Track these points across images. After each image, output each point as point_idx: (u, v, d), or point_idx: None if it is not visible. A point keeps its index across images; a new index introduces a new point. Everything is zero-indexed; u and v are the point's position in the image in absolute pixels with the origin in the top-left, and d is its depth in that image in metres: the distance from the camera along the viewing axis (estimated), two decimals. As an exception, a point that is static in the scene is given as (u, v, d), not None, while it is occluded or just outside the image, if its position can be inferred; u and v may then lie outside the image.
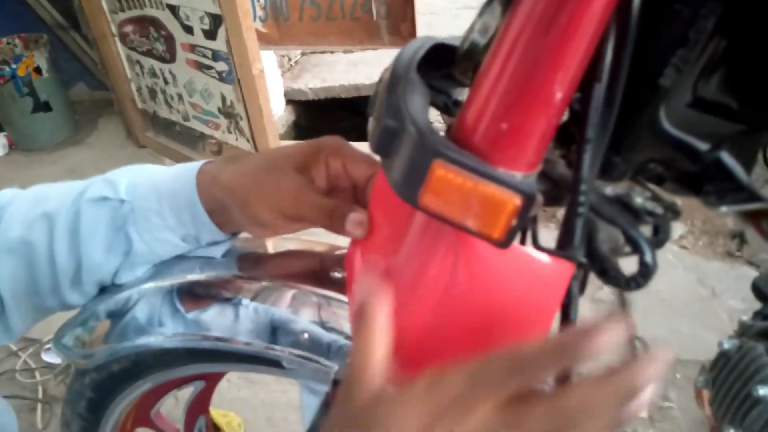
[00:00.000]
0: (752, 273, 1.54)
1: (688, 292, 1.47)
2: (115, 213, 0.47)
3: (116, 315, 0.52)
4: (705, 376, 0.67)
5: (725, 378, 0.63)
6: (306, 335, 0.49)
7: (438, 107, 0.41)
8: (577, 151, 0.31)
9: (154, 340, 0.50)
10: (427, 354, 0.35)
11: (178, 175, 0.48)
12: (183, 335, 0.50)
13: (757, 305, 1.19)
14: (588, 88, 0.30)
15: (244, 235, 0.52)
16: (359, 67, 2.75)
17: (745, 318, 0.72)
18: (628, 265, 0.36)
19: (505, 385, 0.27)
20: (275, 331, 0.50)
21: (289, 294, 0.50)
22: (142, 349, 0.52)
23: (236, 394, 1.30)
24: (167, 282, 0.51)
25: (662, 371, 0.26)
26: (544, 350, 0.27)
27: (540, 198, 0.30)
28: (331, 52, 2.95)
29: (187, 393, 0.73)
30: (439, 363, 0.30)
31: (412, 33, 1.72)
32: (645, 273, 0.33)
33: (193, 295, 0.52)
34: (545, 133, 0.29)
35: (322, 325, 0.50)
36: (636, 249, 0.34)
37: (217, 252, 0.52)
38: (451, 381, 0.28)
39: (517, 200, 0.28)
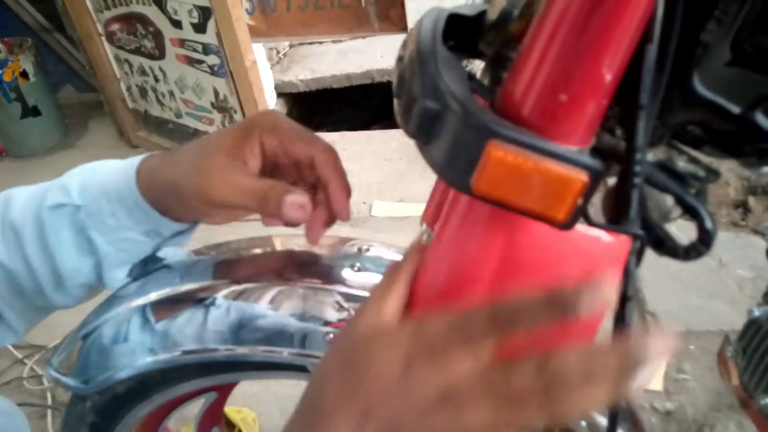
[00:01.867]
0: (758, 241, 1.53)
1: (695, 264, 1.45)
2: (73, 218, 0.46)
3: (88, 335, 0.50)
4: (734, 345, 0.66)
5: (757, 346, 0.62)
6: (269, 329, 0.48)
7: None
8: (629, 119, 0.30)
9: (161, 358, 0.48)
10: None
11: (119, 175, 0.46)
12: (194, 351, 0.48)
13: (765, 273, 1.19)
14: (638, 50, 0.29)
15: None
16: (349, 57, 2.71)
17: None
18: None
19: (484, 334, 0.26)
20: (240, 329, 0.48)
21: (274, 291, 0.48)
22: (148, 369, 0.49)
23: (248, 389, 1.28)
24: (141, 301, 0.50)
25: (669, 349, 0.24)
26: (530, 302, 0.26)
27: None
28: (320, 43, 2.91)
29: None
30: None
31: (402, 18, 1.70)
32: (706, 240, 0.31)
33: (167, 301, 0.50)
34: (604, 100, 0.28)
35: (302, 316, 0.48)
36: (694, 216, 0.32)
37: (184, 240, 0.51)
38: (432, 326, 0.28)
39: (583, 177, 0.26)
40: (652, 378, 0.25)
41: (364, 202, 1.89)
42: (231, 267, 0.53)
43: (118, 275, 0.49)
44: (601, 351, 0.25)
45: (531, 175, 0.26)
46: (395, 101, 0.34)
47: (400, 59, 0.36)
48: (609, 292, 0.24)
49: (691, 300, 1.38)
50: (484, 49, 0.39)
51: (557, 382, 0.25)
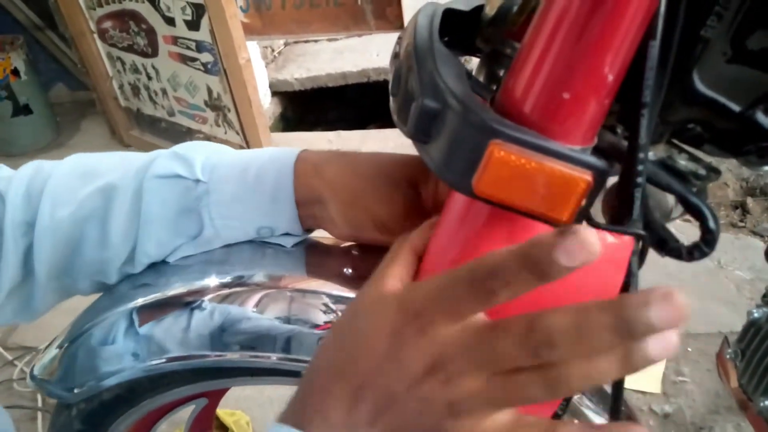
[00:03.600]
0: (756, 243, 1.53)
1: (694, 265, 1.45)
2: (188, 193, 0.43)
3: (75, 339, 0.48)
4: (733, 347, 0.65)
5: (757, 347, 0.61)
6: (252, 332, 0.46)
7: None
8: (632, 117, 0.29)
9: (145, 365, 0.46)
10: None
11: (272, 160, 0.43)
12: (180, 358, 0.46)
13: (764, 274, 1.18)
14: (641, 48, 0.28)
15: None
16: (345, 55, 2.70)
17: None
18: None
19: (466, 297, 0.25)
20: (222, 333, 0.46)
21: (260, 294, 0.47)
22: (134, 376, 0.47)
23: (241, 392, 1.27)
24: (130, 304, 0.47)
25: (676, 317, 0.22)
26: (506, 256, 0.24)
27: None
28: (315, 41, 2.90)
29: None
30: None
31: (399, 16, 1.68)
32: (709, 240, 0.30)
33: (154, 305, 0.48)
34: (607, 99, 0.27)
35: (287, 319, 0.46)
36: (698, 216, 0.31)
37: (289, 242, 0.48)
38: (416, 293, 0.27)
39: (588, 177, 0.25)
40: (668, 351, 0.23)
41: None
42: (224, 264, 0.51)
43: (186, 254, 0.47)
44: (592, 308, 0.23)
45: (534, 176, 0.25)
46: (391, 99, 0.33)
47: (395, 56, 0.35)
48: (588, 238, 0.22)
49: (690, 301, 1.37)
50: (481, 45, 0.38)
51: (547, 346, 0.23)
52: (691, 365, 1.24)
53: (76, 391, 0.48)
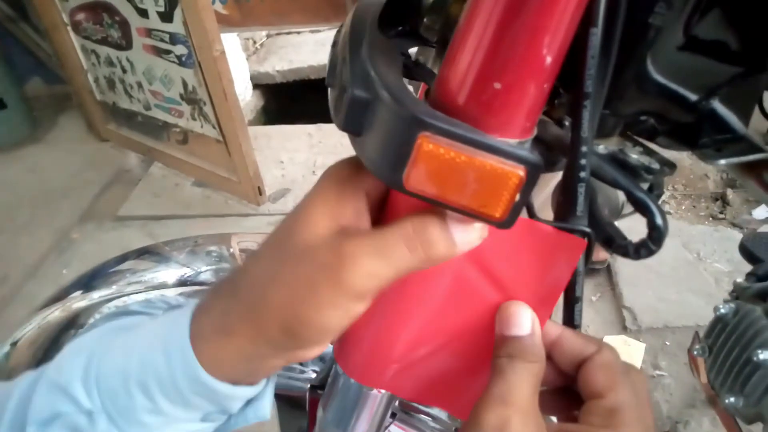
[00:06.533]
0: (736, 234, 1.52)
1: (673, 257, 1.45)
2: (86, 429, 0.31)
3: None
4: (701, 343, 0.64)
5: (723, 344, 0.59)
6: None
7: (398, 71, 0.37)
8: (574, 108, 0.27)
9: None
10: (427, 344, 0.32)
11: (154, 350, 0.31)
12: None
13: (743, 267, 1.17)
14: (581, 35, 0.26)
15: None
16: (327, 47, 2.63)
17: (740, 280, 0.68)
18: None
19: None
20: None
21: None
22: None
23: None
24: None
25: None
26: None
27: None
28: (298, 33, 2.87)
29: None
30: (426, 352, 0.31)
31: (379, 7, 1.66)
32: (657, 237, 0.29)
33: None
34: (543, 90, 0.25)
35: None
36: (644, 212, 0.30)
37: (261, 411, 0.35)
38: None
39: (520, 172, 0.23)
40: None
41: (340, 196, 1.85)
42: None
43: None
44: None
45: (464, 170, 0.24)
46: (329, 90, 0.31)
47: (334, 45, 0.33)
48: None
49: (669, 294, 1.37)
50: (425, 34, 0.36)
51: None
52: (668, 359, 1.23)
53: None
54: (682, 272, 1.42)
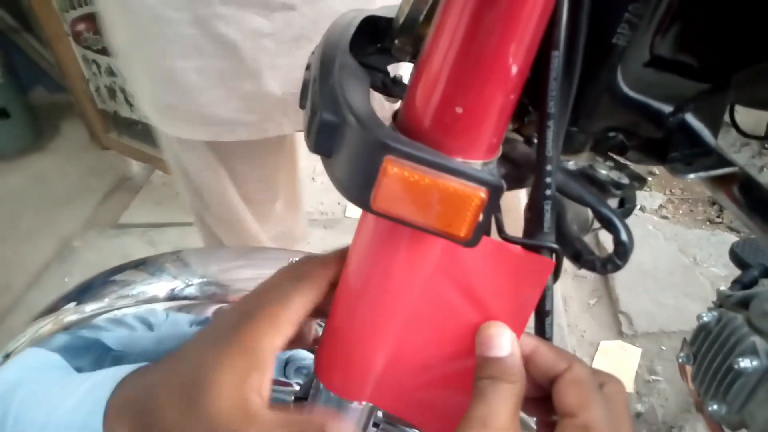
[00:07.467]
0: (733, 239, 1.52)
1: (670, 262, 1.46)
2: None
3: None
4: (686, 351, 0.65)
5: (706, 352, 0.60)
6: None
7: (377, 88, 0.38)
8: (538, 129, 0.29)
9: None
10: (407, 361, 0.33)
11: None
12: None
13: (738, 271, 1.18)
14: (544, 57, 0.27)
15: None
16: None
17: (723, 288, 0.69)
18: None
19: None
20: None
21: (213, 308, 0.46)
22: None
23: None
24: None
25: None
26: None
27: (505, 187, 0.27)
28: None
29: None
30: (404, 369, 0.32)
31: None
32: (622, 253, 0.30)
33: None
34: (505, 113, 0.26)
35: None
36: (609, 228, 0.31)
37: None
38: None
39: (482, 193, 0.24)
40: None
41: (339, 203, 1.86)
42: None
43: None
44: None
45: (428, 192, 0.25)
46: (303, 112, 0.32)
47: (308, 67, 0.34)
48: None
49: (665, 299, 1.37)
50: (397, 54, 0.37)
51: None
52: (664, 364, 1.23)
53: None
54: (679, 277, 1.43)
